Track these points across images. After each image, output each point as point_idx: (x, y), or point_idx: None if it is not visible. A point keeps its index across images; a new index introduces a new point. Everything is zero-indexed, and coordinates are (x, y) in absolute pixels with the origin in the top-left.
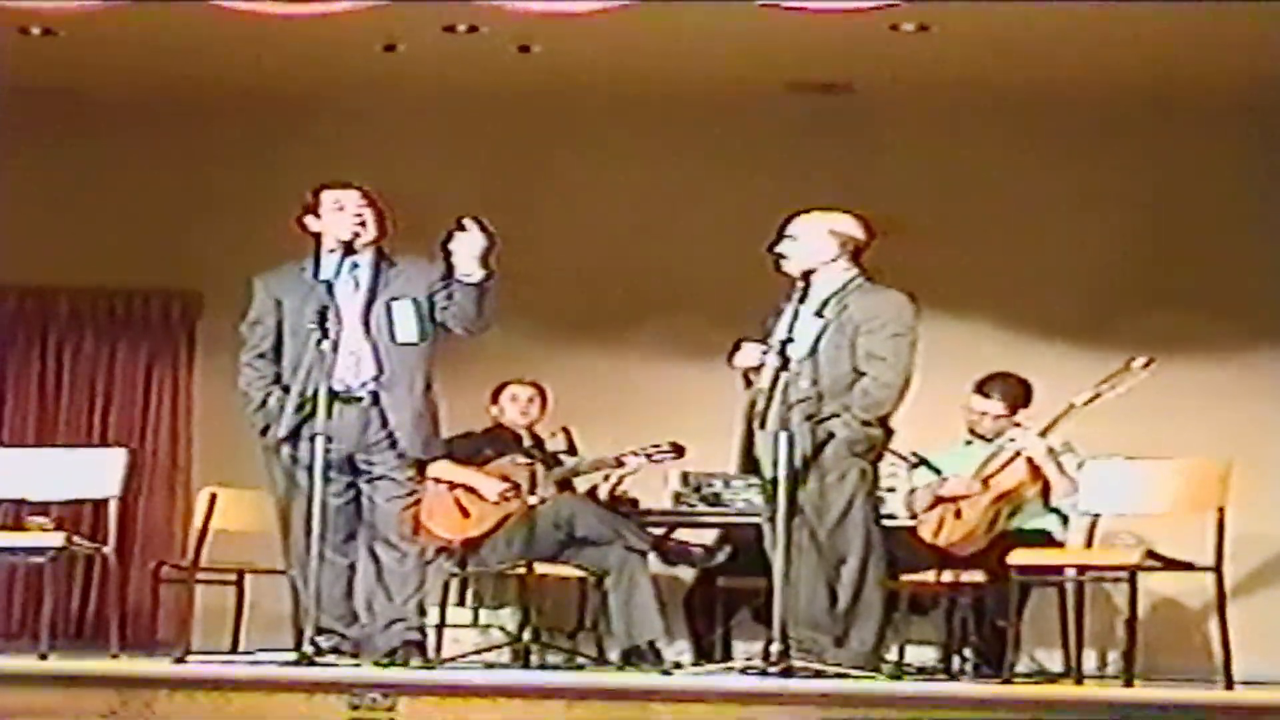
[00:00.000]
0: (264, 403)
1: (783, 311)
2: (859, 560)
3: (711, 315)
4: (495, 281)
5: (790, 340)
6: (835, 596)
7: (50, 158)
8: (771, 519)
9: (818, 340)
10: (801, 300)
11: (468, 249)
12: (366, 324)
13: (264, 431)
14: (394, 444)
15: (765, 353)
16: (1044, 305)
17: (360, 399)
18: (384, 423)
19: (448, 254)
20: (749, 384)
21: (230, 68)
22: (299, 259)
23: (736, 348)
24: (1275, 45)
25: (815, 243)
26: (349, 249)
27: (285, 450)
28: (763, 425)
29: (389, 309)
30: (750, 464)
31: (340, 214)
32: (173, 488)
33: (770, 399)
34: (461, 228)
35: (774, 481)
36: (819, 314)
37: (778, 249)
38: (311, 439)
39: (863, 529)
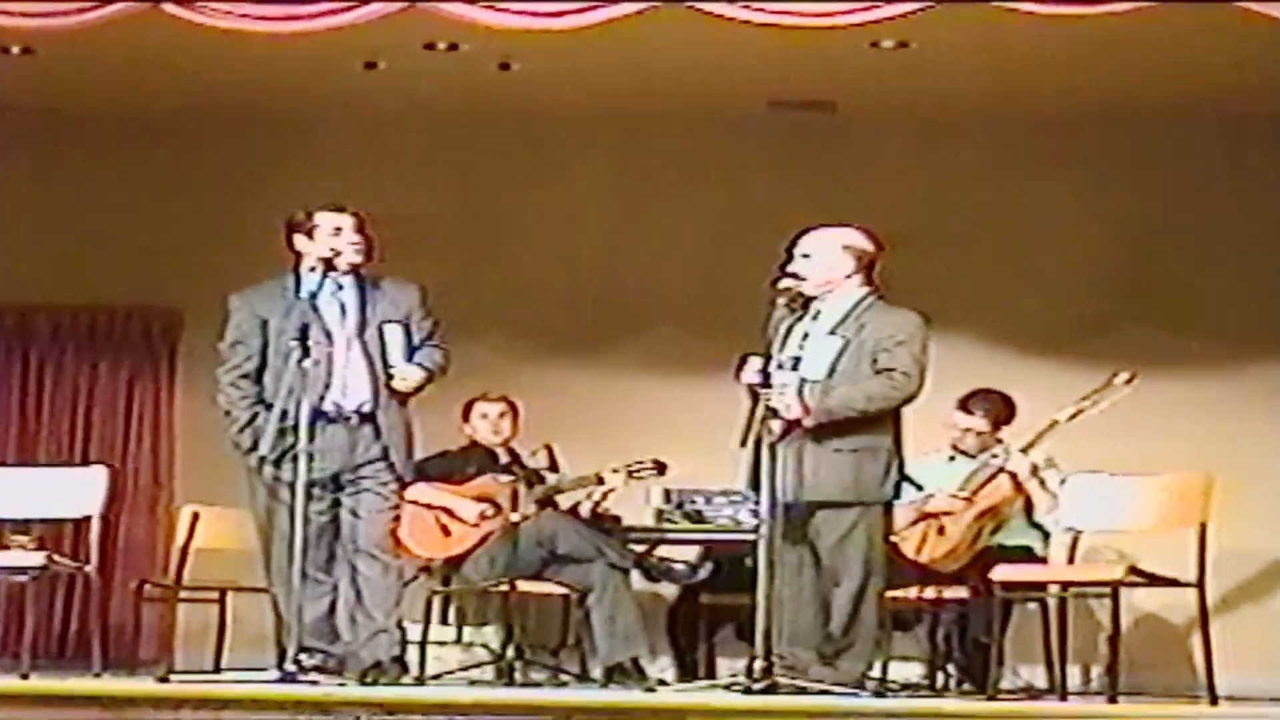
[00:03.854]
0: (250, 422)
1: (779, 326)
2: (857, 583)
3: (693, 330)
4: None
5: (799, 358)
6: (828, 615)
7: (30, 176)
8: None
9: (836, 360)
10: (813, 317)
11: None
12: (363, 347)
13: (250, 451)
14: (387, 462)
15: (780, 367)
16: (1027, 321)
17: (349, 419)
18: (374, 440)
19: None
20: (755, 399)
21: (210, 86)
22: (278, 277)
23: (743, 363)
24: (1258, 60)
25: (831, 258)
26: (329, 267)
27: (268, 469)
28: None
29: (381, 332)
30: (758, 481)
31: (336, 238)
32: (154, 506)
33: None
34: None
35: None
36: (833, 332)
37: (792, 268)
38: (294, 459)
39: (864, 550)
